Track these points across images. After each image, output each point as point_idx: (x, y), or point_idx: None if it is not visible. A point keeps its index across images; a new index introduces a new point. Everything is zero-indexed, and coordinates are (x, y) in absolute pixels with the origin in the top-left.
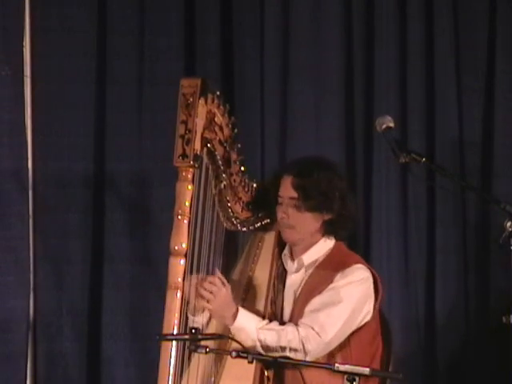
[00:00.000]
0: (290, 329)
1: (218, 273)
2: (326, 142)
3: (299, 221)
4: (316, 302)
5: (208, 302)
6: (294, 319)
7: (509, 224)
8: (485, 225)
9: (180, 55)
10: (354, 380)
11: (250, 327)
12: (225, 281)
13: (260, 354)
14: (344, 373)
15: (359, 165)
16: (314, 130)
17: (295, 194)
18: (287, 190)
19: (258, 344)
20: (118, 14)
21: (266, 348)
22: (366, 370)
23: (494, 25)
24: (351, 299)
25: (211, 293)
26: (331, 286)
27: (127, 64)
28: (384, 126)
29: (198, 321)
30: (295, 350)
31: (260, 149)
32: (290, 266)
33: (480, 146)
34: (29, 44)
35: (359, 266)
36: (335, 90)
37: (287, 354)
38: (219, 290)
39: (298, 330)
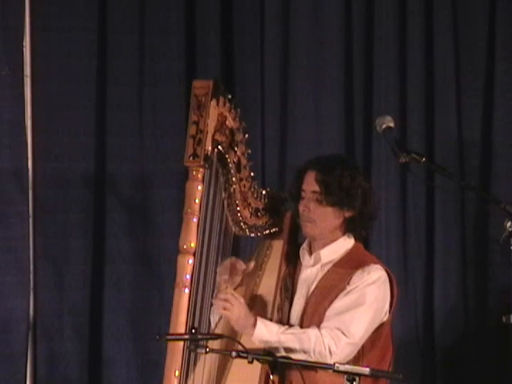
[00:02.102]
0: (312, 332)
1: (230, 289)
2: (325, 142)
3: (320, 215)
4: (339, 304)
5: (227, 310)
6: (308, 315)
7: (509, 224)
8: (484, 225)
9: (180, 55)
10: (354, 380)
11: (270, 335)
12: (237, 295)
13: (259, 354)
14: (344, 373)
15: (359, 165)
16: (314, 130)
17: (318, 189)
18: (310, 184)
19: (282, 349)
20: (119, 14)
21: (290, 351)
22: (366, 370)
23: (493, 25)
24: (373, 300)
25: (228, 304)
26: (352, 286)
27: (127, 64)
28: (384, 126)
29: None
30: (320, 353)
31: (260, 149)
32: (307, 259)
33: (480, 145)
34: (29, 44)
35: (378, 266)
36: (335, 89)
37: (312, 357)
38: (234, 302)
39: (321, 332)
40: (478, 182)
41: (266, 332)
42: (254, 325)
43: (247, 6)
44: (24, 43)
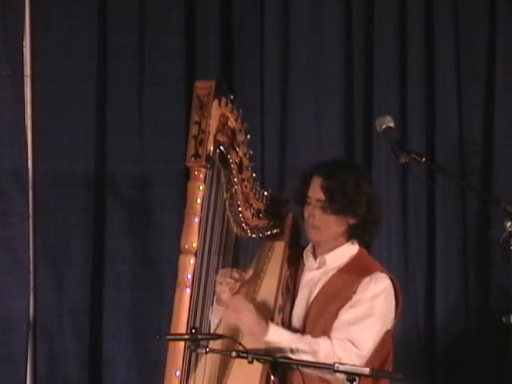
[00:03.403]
0: (323, 341)
1: (238, 295)
2: (325, 142)
3: (324, 222)
4: (348, 316)
5: (235, 318)
6: (311, 318)
7: (509, 224)
8: (485, 225)
9: (180, 55)
10: (354, 380)
11: (282, 341)
12: (246, 302)
13: (259, 354)
14: (344, 373)
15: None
16: (314, 130)
17: (323, 196)
18: (316, 191)
19: (292, 355)
20: (119, 14)
21: (301, 359)
22: (366, 370)
23: (494, 25)
24: (382, 311)
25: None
26: (359, 295)
27: (127, 63)
28: (384, 126)
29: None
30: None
31: (260, 149)
32: (311, 262)
33: (480, 145)
34: (29, 44)
35: (384, 275)
36: (335, 90)
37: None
38: (242, 309)
39: (332, 343)
40: (479, 182)
41: (279, 339)
42: (266, 330)
43: (247, 5)
44: (24, 43)
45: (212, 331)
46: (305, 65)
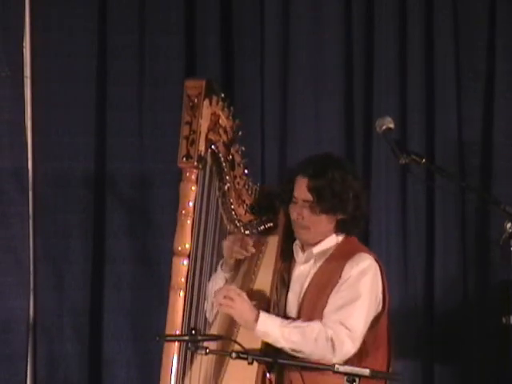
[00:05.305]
0: (315, 325)
1: (233, 285)
2: (325, 142)
3: (314, 222)
4: (336, 300)
5: (228, 307)
6: (304, 312)
7: (509, 225)
8: (485, 225)
9: (180, 55)
10: (354, 381)
11: (273, 328)
12: (239, 290)
13: (259, 355)
14: (344, 373)
15: (359, 165)
16: (314, 130)
17: (310, 197)
18: (302, 192)
19: (284, 342)
20: (119, 14)
21: (293, 345)
22: (366, 371)
23: (493, 25)
24: (368, 291)
25: (230, 300)
26: (344, 278)
27: (127, 63)
28: (384, 127)
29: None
30: (322, 345)
31: (260, 149)
32: (300, 256)
33: (480, 145)
34: (29, 44)
35: (366, 255)
36: (335, 90)
37: (313, 349)
38: (236, 298)
39: (324, 325)
40: (479, 183)
41: (269, 325)
42: (257, 318)
43: (247, 5)
44: (24, 43)
45: (209, 323)
46: (305, 65)
